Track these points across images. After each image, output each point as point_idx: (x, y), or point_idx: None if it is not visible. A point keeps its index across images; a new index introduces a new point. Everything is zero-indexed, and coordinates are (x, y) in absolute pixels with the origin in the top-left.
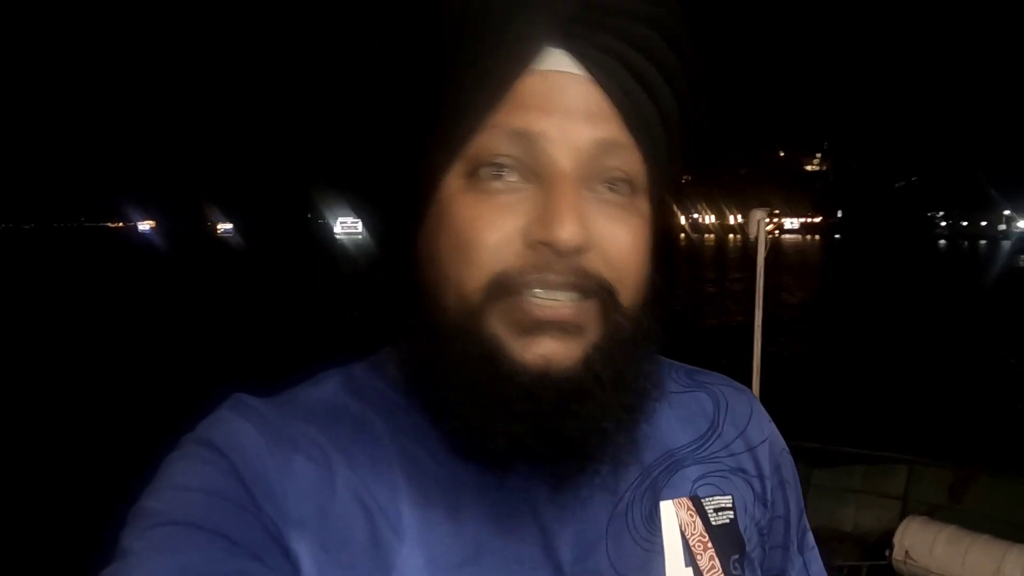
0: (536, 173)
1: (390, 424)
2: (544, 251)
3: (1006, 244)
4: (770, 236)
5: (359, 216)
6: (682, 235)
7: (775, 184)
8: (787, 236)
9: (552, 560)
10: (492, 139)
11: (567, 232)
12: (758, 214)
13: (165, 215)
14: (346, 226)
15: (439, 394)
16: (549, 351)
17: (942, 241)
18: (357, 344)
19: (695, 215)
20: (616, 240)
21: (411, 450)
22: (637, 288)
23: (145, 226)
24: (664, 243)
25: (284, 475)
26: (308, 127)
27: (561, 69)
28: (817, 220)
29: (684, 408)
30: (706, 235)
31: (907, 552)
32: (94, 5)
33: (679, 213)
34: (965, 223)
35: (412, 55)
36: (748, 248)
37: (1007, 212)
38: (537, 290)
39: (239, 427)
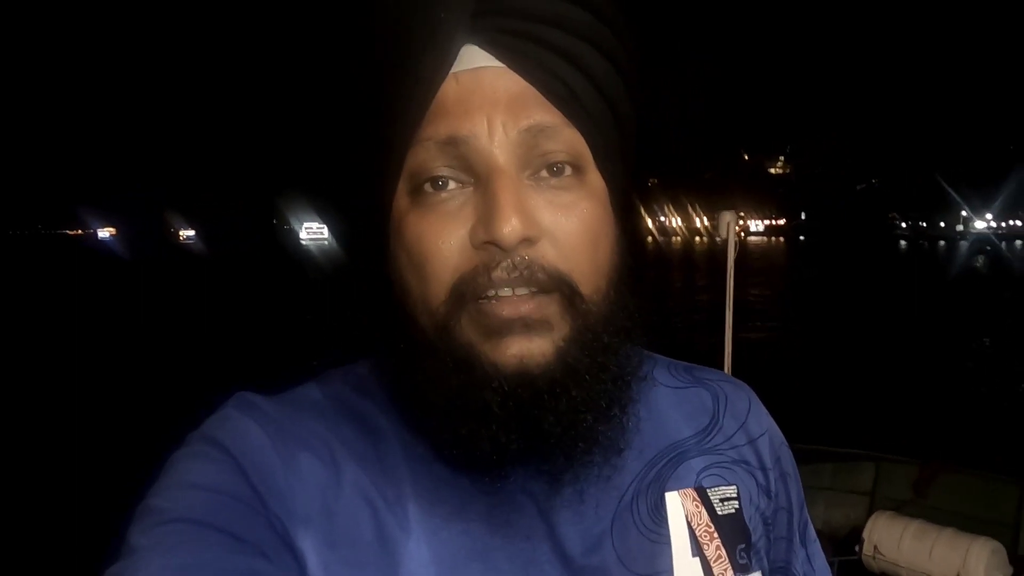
0: (474, 175)
1: (394, 422)
2: (492, 250)
3: (964, 244)
4: (737, 238)
5: (325, 222)
6: (649, 238)
7: (740, 187)
8: (753, 239)
9: (559, 555)
10: (425, 153)
11: (508, 227)
12: (727, 216)
13: (125, 222)
14: (311, 232)
15: (421, 407)
16: (520, 350)
17: (903, 242)
18: (330, 349)
19: (662, 218)
20: (566, 227)
21: (416, 448)
22: (599, 273)
23: (105, 233)
24: (629, 215)
25: (290, 473)
26: (272, 132)
27: (477, 65)
28: (781, 223)
29: (685, 403)
30: (673, 238)
31: (876, 547)
32: (49, 7)
33: (646, 216)
34: (924, 224)
35: (343, 82)
36: (715, 251)
37: (964, 213)
38: (493, 290)
39: (244, 425)
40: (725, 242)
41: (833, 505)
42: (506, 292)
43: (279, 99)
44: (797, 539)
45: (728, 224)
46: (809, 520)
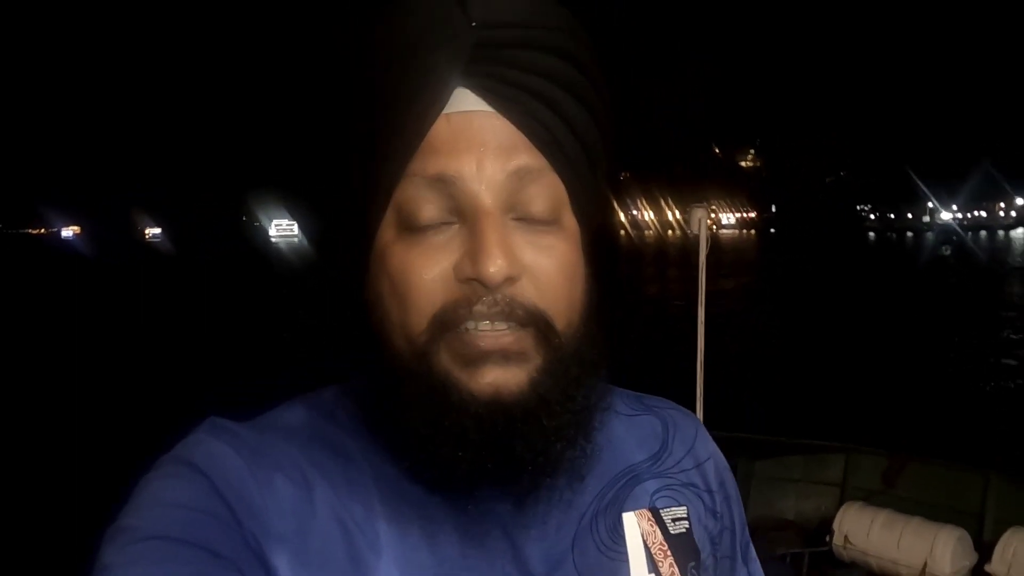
0: (460, 213)
1: (363, 446)
2: (476, 285)
3: (930, 235)
4: (709, 232)
5: (294, 219)
6: (622, 232)
7: (712, 180)
8: (724, 232)
9: (522, 572)
10: (413, 188)
11: (494, 266)
12: (699, 212)
13: (90, 220)
14: (281, 228)
15: (398, 430)
16: (496, 379)
17: (872, 233)
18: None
19: (634, 212)
20: (544, 268)
21: (385, 470)
22: (572, 310)
23: (68, 232)
24: (601, 251)
25: (263, 492)
26: (243, 128)
27: (469, 108)
28: (752, 215)
29: (638, 429)
30: (646, 231)
31: (846, 537)
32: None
33: (619, 210)
34: (892, 216)
35: (336, 112)
36: (687, 244)
37: (931, 205)
38: (473, 323)
39: (217, 447)
40: (697, 237)
41: (804, 496)
42: (485, 325)
43: (250, 96)
44: (740, 558)
45: (700, 219)
46: (750, 542)
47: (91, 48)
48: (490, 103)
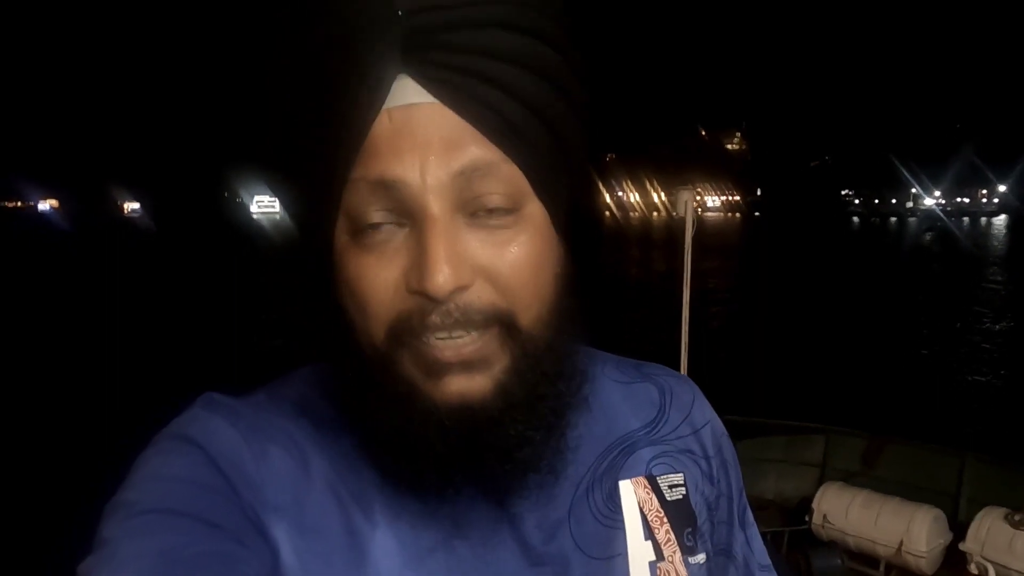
0: (407, 217)
1: (357, 419)
2: (425, 297)
3: (913, 221)
4: (694, 216)
5: (276, 195)
6: (608, 213)
7: (697, 163)
8: (709, 214)
9: (520, 543)
10: (358, 194)
11: (440, 279)
12: (684, 194)
13: (67, 194)
14: (263, 205)
15: (367, 437)
16: (460, 388)
17: (855, 218)
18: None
19: (620, 193)
20: (503, 266)
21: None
22: (539, 302)
23: (45, 206)
24: (581, 228)
25: (260, 464)
26: (221, 103)
27: (411, 101)
28: (737, 199)
29: (634, 397)
30: (631, 213)
31: (825, 516)
32: None
33: (604, 192)
34: (877, 201)
35: (277, 114)
36: (673, 226)
37: (914, 190)
38: (429, 334)
39: (213, 421)
40: (683, 219)
41: (785, 476)
42: (443, 335)
43: (227, 72)
44: (737, 523)
45: (686, 202)
46: (748, 505)
47: (69, 22)
48: (432, 93)
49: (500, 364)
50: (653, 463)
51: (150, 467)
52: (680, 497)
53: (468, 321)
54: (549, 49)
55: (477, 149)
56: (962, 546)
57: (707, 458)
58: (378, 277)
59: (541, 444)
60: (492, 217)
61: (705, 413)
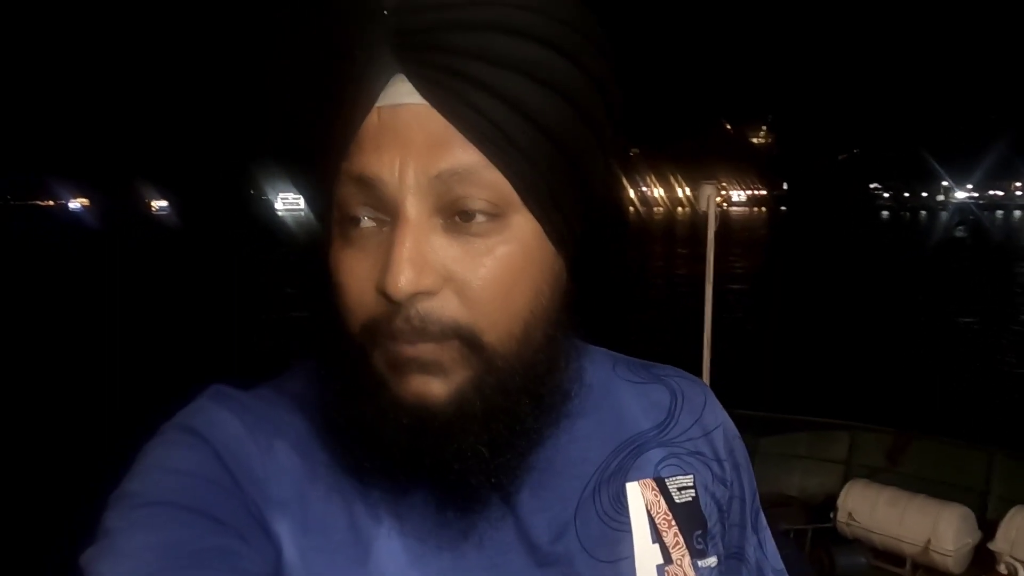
0: (388, 215)
1: (336, 413)
2: (389, 301)
3: (944, 214)
4: (719, 209)
5: (300, 193)
6: (631, 208)
7: (723, 157)
8: (735, 209)
9: (525, 543)
10: (344, 189)
11: (402, 282)
12: (708, 189)
13: (98, 193)
14: (287, 202)
15: (339, 432)
16: (420, 388)
17: (885, 212)
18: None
19: (644, 188)
20: (475, 278)
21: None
22: (510, 320)
23: (76, 204)
24: (591, 249)
25: (265, 459)
26: (246, 100)
27: (401, 102)
28: (763, 193)
29: (644, 398)
30: (655, 208)
31: (850, 514)
32: None
33: (628, 186)
34: (907, 194)
35: (277, 112)
36: (697, 221)
37: (945, 183)
38: (393, 338)
39: (219, 414)
40: (706, 214)
41: (809, 473)
42: (404, 339)
43: (249, 68)
44: (750, 526)
45: (708, 197)
46: (760, 509)
47: (101, 23)
48: (422, 93)
49: (459, 375)
50: (662, 465)
51: (155, 458)
52: (689, 499)
53: (424, 331)
54: (553, 54)
55: (460, 152)
56: (991, 545)
57: (719, 460)
58: (354, 275)
59: (491, 460)
60: (471, 224)
61: (717, 415)
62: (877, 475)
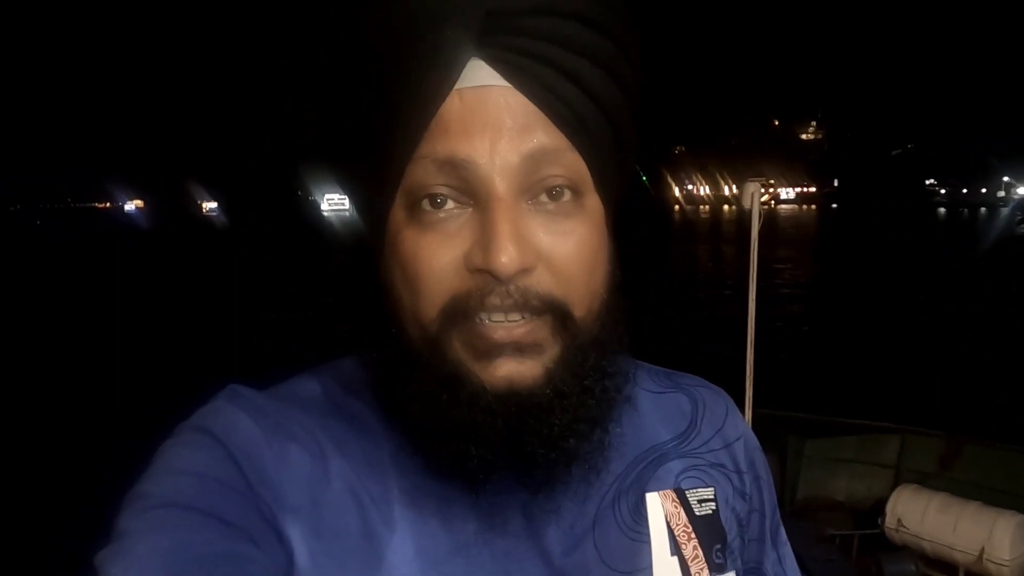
0: (472, 196)
1: (381, 421)
2: (487, 277)
3: (1005, 211)
4: (766, 207)
5: (340, 185)
6: (676, 207)
7: (770, 154)
8: (783, 207)
9: (541, 552)
10: (423, 171)
11: (505, 258)
12: (751, 186)
13: (152, 195)
14: (333, 203)
15: (408, 419)
16: (510, 372)
17: (942, 209)
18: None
19: (689, 186)
20: (563, 254)
21: (402, 446)
22: (592, 296)
23: (131, 206)
24: (621, 227)
25: (279, 463)
26: (291, 102)
27: (482, 84)
28: (812, 190)
29: (665, 407)
30: (701, 207)
31: (899, 520)
32: None
33: (673, 185)
34: (964, 191)
35: (340, 95)
36: (743, 219)
37: (1006, 179)
38: (486, 314)
39: (235, 416)
40: (750, 212)
41: (857, 477)
42: (498, 316)
43: (295, 69)
44: (769, 541)
45: (752, 194)
46: (781, 524)
47: (149, 31)
48: (506, 77)
49: (551, 352)
50: (682, 476)
51: (169, 459)
52: (710, 512)
53: (525, 304)
54: (614, 46)
55: (545, 135)
56: None
57: (739, 473)
58: (436, 256)
59: (585, 437)
60: (553, 203)
61: (738, 427)
62: (928, 480)
